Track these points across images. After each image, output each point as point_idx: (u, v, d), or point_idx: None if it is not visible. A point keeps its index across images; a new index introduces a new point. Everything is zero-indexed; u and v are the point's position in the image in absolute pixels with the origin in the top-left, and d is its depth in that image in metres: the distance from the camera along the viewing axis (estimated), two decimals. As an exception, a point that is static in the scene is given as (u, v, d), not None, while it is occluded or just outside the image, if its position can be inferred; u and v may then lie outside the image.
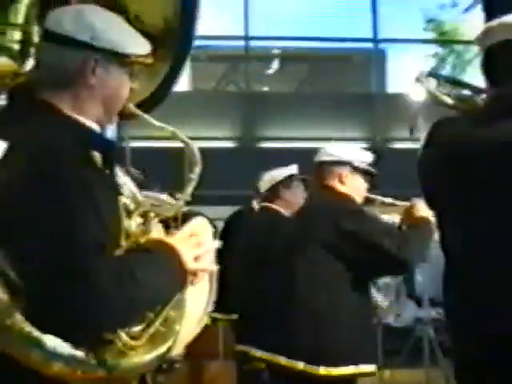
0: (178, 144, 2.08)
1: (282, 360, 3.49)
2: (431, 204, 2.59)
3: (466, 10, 13.69)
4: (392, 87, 13.28)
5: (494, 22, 2.34)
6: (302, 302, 3.54)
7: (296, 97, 12.72)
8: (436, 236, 3.85)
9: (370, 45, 13.52)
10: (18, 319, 1.66)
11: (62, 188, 1.69)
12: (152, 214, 2.03)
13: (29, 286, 1.65)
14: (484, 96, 2.52)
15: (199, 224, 2.02)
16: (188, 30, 2.23)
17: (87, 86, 1.89)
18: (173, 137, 2.06)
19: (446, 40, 14.35)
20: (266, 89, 14.19)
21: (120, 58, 1.92)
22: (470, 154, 2.27)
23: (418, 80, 2.70)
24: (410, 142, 8.47)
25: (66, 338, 1.68)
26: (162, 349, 1.92)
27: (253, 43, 12.74)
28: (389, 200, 4.15)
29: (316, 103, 12.14)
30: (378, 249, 3.49)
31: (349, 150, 3.86)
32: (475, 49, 11.38)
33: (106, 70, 1.90)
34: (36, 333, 1.66)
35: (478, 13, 13.20)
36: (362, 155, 3.86)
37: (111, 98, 1.94)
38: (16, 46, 2.06)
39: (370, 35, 12.99)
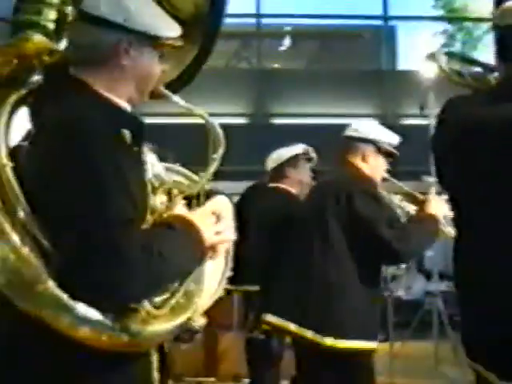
0: (198, 120, 2.20)
1: (292, 327, 3.58)
2: (441, 180, 2.63)
3: (476, -13, 13.71)
4: (402, 64, 13.30)
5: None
6: (315, 274, 3.63)
7: (307, 73, 12.77)
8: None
9: (379, 22, 13.55)
10: (50, 285, 1.74)
11: (94, 163, 1.76)
12: (176, 191, 2.10)
13: (61, 254, 1.74)
14: (497, 74, 2.55)
15: (221, 201, 2.09)
16: (217, 16, 2.34)
17: (120, 66, 1.96)
18: (200, 118, 2.14)
19: (455, 17, 14.35)
20: (277, 66, 14.24)
21: (152, 40, 2.00)
22: (481, 131, 2.32)
23: (432, 57, 2.75)
24: (421, 118, 8.57)
25: (93, 305, 1.77)
26: (182, 319, 2.01)
27: (264, 21, 12.77)
28: (405, 188, 4.20)
29: (327, 80, 12.20)
30: (378, 238, 3.53)
31: (376, 130, 3.88)
32: (485, 26, 11.40)
33: (138, 51, 1.97)
34: (66, 298, 1.74)
35: (488, -10, 13.25)
36: (388, 136, 3.86)
37: (143, 78, 2.02)
38: (51, 25, 2.13)
39: (380, 12, 13.05)
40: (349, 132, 3.88)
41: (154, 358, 2.02)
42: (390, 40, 13.44)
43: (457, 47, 14.00)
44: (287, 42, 14.47)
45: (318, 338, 3.51)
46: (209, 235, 1.96)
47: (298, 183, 4.85)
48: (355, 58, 13.97)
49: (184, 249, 1.91)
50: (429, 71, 8.20)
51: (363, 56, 14.09)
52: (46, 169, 1.79)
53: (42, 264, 1.76)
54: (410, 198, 4.25)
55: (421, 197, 4.06)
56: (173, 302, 2.00)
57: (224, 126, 2.18)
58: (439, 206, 3.80)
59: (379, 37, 13.72)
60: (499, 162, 2.28)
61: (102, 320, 1.79)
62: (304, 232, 3.79)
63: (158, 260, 1.79)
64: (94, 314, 1.78)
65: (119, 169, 1.80)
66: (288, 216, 4.22)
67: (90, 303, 1.77)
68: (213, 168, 2.17)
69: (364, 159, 3.80)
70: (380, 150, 3.81)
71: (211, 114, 2.16)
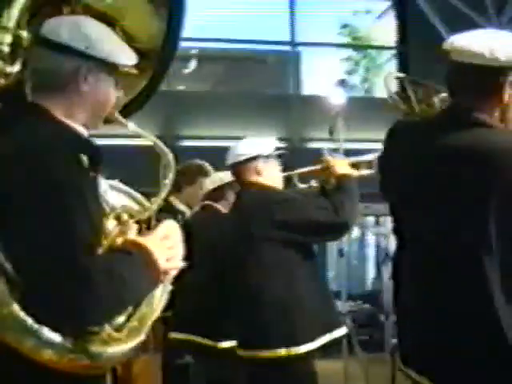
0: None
1: (241, 352, 3.75)
2: (388, 197, 2.79)
3: (379, 16, 14.15)
4: (307, 89, 13.55)
5: (473, 44, 2.46)
6: (261, 293, 3.71)
7: (213, 96, 12.86)
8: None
9: (286, 47, 13.81)
10: (15, 309, 1.80)
11: (58, 189, 1.81)
12: (125, 217, 2.16)
13: (25, 279, 1.78)
14: (443, 95, 2.75)
15: (170, 226, 2.15)
16: (172, 46, 2.41)
17: (79, 92, 2.04)
18: (153, 145, 2.25)
19: (359, 45, 14.80)
20: (183, 88, 14.30)
21: (110, 68, 2.09)
22: (425, 156, 2.50)
23: (384, 82, 2.90)
24: (326, 141, 8.79)
25: (57, 329, 1.82)
26: (137, 341, 2.10)
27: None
28: (305, 169, 4.30)
29: (233, 102, 12.34)
30: (317, 224, 3.70)
31: (253, 144, 4.04)
32: (387, 54, 11.78)
33: (96, 77, 2.06)
34: (30, 322, 1.80)
35: (391, 20, 13.72)
36: (266, 143, 4.07)
37: (100, 104, 2.10)
38: (6, 48, 2.16)
39: (285, 37, 13.28)
40: (232, 159, 4.03)
41: (108, 379, 2.07)
42: (296, 65, 13.69)
43: (360, 74, 14.42)
44: (193, 64, 14.54)
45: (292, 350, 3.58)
46: (162, 261, 2.02)
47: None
48: (261, 81, 14.16)
49: (140, 273, 1.97)
50: (337, 97, 8.42)
51: (269, 80, 14.30)
52: (9, 194, 1.81)
53: (7, 288, 1.80)
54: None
55: (320, 166, 4.19)
56: (130, 324, 2.08)
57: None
58: (341, 164, 4.02)
59: (285, 61, 13.96)
60: (445, 186, 2.44)
61: (65, 343, 1.85)
62: (234, 254, 3.90)
63: (118, 284, 1.85)
64: (56, 337, 1.83)
65: (81, 194, 1.86)
66: (216, 239, 4.31)
67: (54, 327, 1.82)
68: (164, 193, 2.26)
69: (259, 174, 3.95)
70: (267, 157, 3.98)
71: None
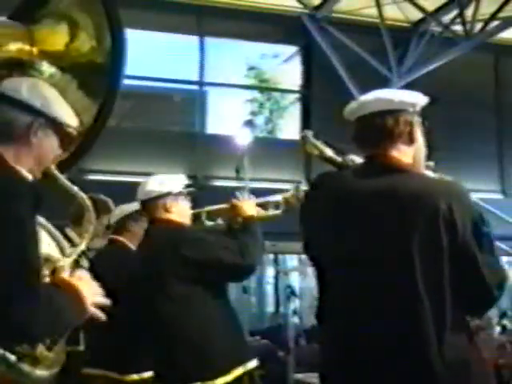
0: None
1: None
2: (309, 244, 2.93)
3: (286, 60, 14.53)
4: (212, 128, 13.74)
5: (369, 96, 2.80)
6: (172, 329, 3.78)
7: (118, 132, 12.90)
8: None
9: (193, 86, 14.01)
10: None
11: (14, 222, 2.04)
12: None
13: None
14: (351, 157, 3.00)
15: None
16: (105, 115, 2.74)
17: (29, 144, 2.29)
18: (77, 198, 2.51)
19: (265, 87, 15.11)
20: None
21: (57, 126, 2.36)
22: (350, 201, 2.71)
23: (303, 138, 3.07)
24: (232, 180, 8.99)
25: (3, 341, 2.03)
26: (56, 370, 2.31)
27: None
28: (214, 207, 4.36)
29: (139, 139, 12.45)
30: (224, 265, 3.76)
31: (163, 181, 4.08)
32: (291, 97, 12.21)
33: (45, 133, 2.33)
34: None
35: (296, 64, 14.12)
36: (176, 180, 4.12)
37: (44, 157, 2.35)
38: None
39: (193, 76, 13.52)
40: (142, 196, 4.10)
41: None
42: (202, 104, 13.87)
43: (265, 115, 14.73)
44: (100, 99, 14.51)
45: None
46: (89, 297, 2.27)
47: (139, 238, 4.98)
48: (167, 119, 14.25)
49: (70, 306, 2.19)
50: (244, 138, 8.65)
51: (175, 118, 14.42)
52: None
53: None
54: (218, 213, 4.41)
55: (225, 206, 4.26)
56: (55, 351, 2.28)
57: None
58: (249, 205, 4.10)
59: (191, 100, 14.12)
60: (375, 229, 2.64)
61: (6, 358, 2.00)
62: (145, 291, 3.94)
63: (54, 311, 2.08)
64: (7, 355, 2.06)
65: (34, 229, 2.12)
66: (122, 276, 4.27)
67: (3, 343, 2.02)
68: (83, 245, 2.52)
69: (168, 211, 4.00)
70: (177, 195, 4.04)
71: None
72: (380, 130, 2.74)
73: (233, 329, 3.88)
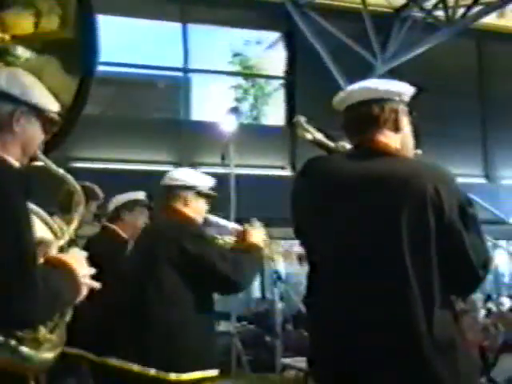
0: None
1: (136, 367, 3.72)
2: (300, 228, 2.97)
3: (269, 47, 14.55)
4: (196, 114, 13.76)
5: (356, 86, 2.88)
6: (152, 316, 3.79)
7: (103, 119, 12.88)
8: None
9: (177, 73, 14.01)
10: None
11: (8, 211, 2.08)
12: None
13: None
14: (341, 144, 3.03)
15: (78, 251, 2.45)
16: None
17: (12, 132, 2.33)
18: (64, 181, 2.55)
19: (249, 73, 15.14)
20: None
21: (39, 113, 2.39)
22: (339, 184, 2.76)
23: (296, 123, 3.11)
24: (217, 166, 9.01)
25: (4, 328, 2.09)
26: (58, 352, 2.34)
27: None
28: (224, 223, 4.49)
29: (122, 126, 12.45)
30: (215, 272, 3.80)
31: (193, 175, 4.14)
32: (276, 83, 12.22)
33: (27, 120, 2.36)
34: None
35: (280, 50, 14.15)
36: (204, 180, 4.15)
37: (29, 144, 2.39)
38: None
39: (177, 63, 13.52)
40: (168, 181, 4.12)
41: None
42: (186, 90, 13.89)
43: (250, 101, 14.77)
44: (84, 87, 14.47)
45: (161, 374, 3.68)
46: (82, 277, 2.31)
47: (130, 228, 5.09)
48: (151, 105, 14.26)
49: (66, 285, 2.24)
50: (229, 123, 8.66)
51: (159, 104, 14.42)
52: None
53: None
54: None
55: (237, 227, 4.38)
56: (57, 332, 2.32)
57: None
58: (258, 234, 4.18)
59: (175, 87, 14.13)
60: (364, 212, 2.68)
61: (7, 343, 2.09)
62: (134, 280, 3.96)
63: (51, 292, 2.12)
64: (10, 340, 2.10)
65: (27, 216, 2.16)
66: (116, 261, 4.34)
67: (1, 326, 2.06)
68: (73, 225, 2.55)
69: (186, 204, 4.05)
70: (199, 193, 4.08)
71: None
72: (367, 117, 2.81)
73: (207, 335, 3.90)
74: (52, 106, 2.44)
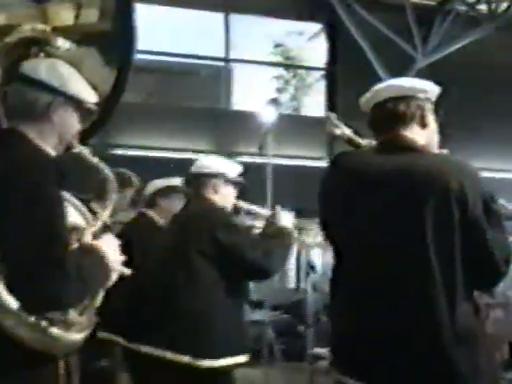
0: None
1: (169, 355, 3.77)
2: (327, 220, 3.02)
3: (311, 38, 14.55)
4: (238, 104, 13.83)
5: (382, 85, 2.94)
6: (183, 304, 3.85)
7: (144, 108, 13.01)
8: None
9: (219, 62, 14.09)
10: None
11: (42, 199, 2.17)
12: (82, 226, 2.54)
13: (9, 267, 2.11)
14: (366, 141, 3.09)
15: (108, 237, 2.53)
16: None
17: (51, 122, 2.42)
18: (98, 170, 2.65)
19: (290, 64, 15.20)
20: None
21: (77, 103, 2.48)
22: (365, 178, 2.81)
23: (329, 122, 3.17)
24: (255, 156, 9.06)
25: (36, 311, 2.16)
26: (86, 333, 2.42)
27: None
28: (253, 208, 4.51)
29: (164, 114, 12.55)
30: (245, 260, 3.86)
31: (222, 163, 4.21)
32: (317, 74, 12.15)
33: (65, 110, 2.45)
34: (11, 302, 2.11)
35: (322, 42, 14.14)
36: (233, 167, 4.23)
37: (66, 133, 2.48)
38: None
39: (219, 53, 13.61)
40: (197, 169, 4.18)
41: (61, 365, 2.36)
42: (227, 80, 13.96)
43: (290, 92, 14.79)
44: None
45: (194, 361, 3.73)
46: (113, 262, 2.41)
47: (167, 214, 5.04)
48: (192, 94, 14.34)
49: (97, 270, 2.35)
50: (268, 115, 8.68)
51: (200, 93, 14.50)
52: (4, 201, 2.16)
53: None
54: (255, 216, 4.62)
55: (266, 212, 4.46)
56: (87, 313, 2.41)
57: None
58: (287, 218, 4.23)
59: (217, 76, 14.21)
60: (388, 206, 2.73)
61: (38, 323, 2.18)
62: (165, 268, 4.03)
63: (84, 277, 2.22)
64: (31, 318, 2.17)
65: (60, 204, 2.25)
66: (150, 248, 4.40)
67: (34, 309, 2.15)
68: (106, 212, 2.65)
69: (216, 192, 4.12)
70: (228, 180, 4.15)
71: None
72: (393, 114, 2.85)
73: (238, 323, 3.97)
74: (90, 96, 2.52)
